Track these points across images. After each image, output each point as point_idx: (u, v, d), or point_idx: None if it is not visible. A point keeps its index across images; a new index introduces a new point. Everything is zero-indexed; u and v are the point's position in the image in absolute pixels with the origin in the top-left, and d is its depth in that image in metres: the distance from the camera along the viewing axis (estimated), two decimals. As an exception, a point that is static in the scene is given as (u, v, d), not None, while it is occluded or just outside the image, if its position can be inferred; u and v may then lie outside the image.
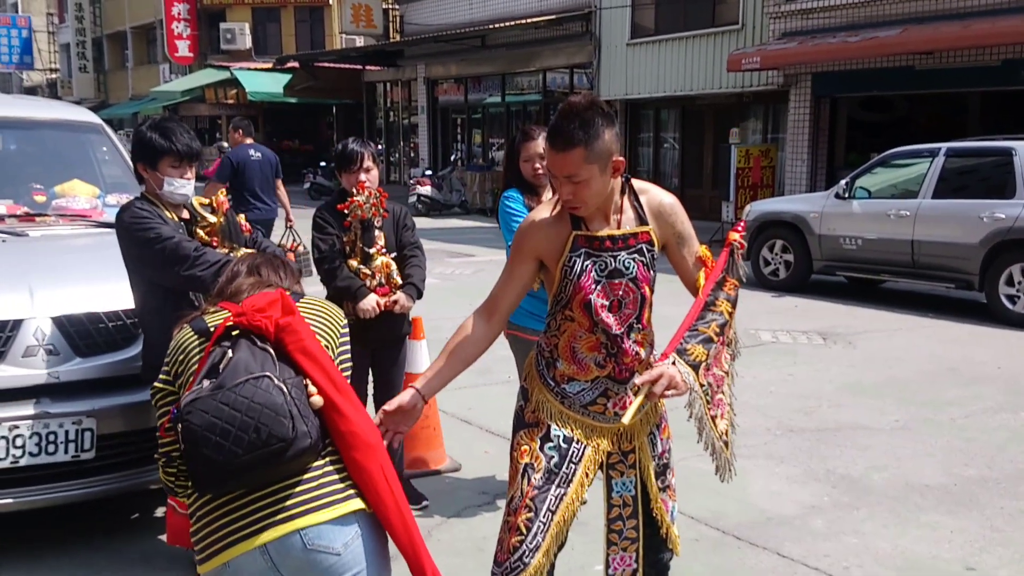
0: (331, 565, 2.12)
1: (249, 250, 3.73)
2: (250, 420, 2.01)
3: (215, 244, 3.80)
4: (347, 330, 2.45)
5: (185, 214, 3.85)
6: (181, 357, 2.28)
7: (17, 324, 3.86)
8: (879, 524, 4.56)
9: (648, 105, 20.96)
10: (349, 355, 2.44)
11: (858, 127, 17.16)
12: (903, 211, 10.41)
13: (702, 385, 2.64)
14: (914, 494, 4.93)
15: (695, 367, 2.63)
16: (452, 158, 26.56)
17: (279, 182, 9.84)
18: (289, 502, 2.10)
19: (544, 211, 2.84)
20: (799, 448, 5.66)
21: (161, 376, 2.31)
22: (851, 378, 7.34)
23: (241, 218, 4.09)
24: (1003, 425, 6.12)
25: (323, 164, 29.29)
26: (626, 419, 2.61)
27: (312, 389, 2.16)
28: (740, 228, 2.89)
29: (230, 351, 2.15)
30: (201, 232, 3.84)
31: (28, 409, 3.78)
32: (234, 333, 2.20)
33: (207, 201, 3.93)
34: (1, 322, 3.85)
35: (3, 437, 3.72)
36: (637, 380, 2.64)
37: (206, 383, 2.10)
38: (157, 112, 38.83)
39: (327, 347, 2.31)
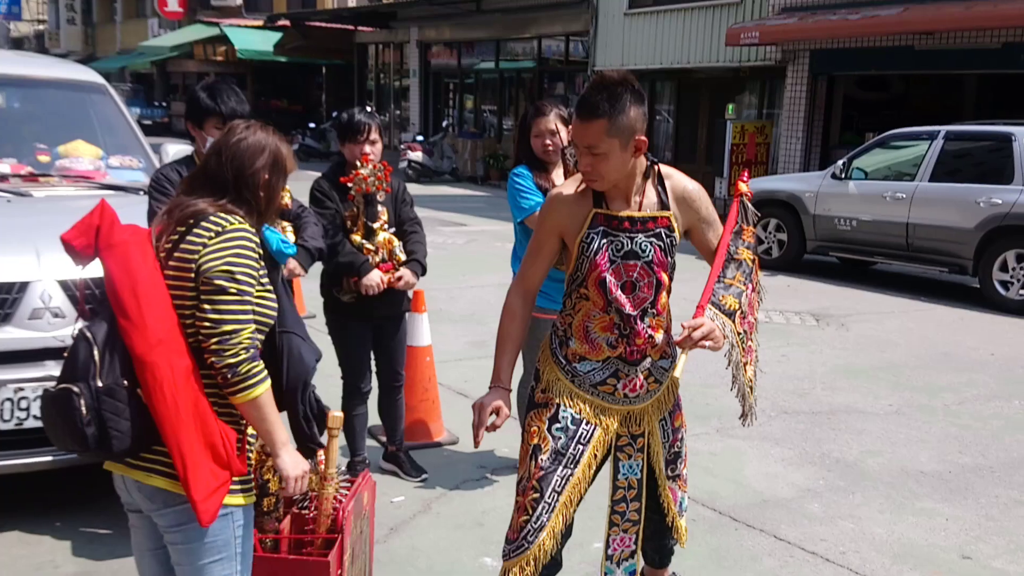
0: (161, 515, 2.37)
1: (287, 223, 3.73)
2: (57, 432, 2.27)
3: None
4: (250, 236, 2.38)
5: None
6: None
7: (24, 286, 3.82)
8: (874, 509, 4.60)
9: (644, 77, 20.82)
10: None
11: (854, 106, 17.11)
12: (899, 193, 10.43)
13: (739, 333, 2.76)
14: (909, 480, 4.98)
15: (731, 315, 2.75)
16: (444, 124, 26.37)
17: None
18: None
19: (569, 187, 2.87)
20: (794, 430, 5.70)
21: None
22: (844, 360, 7.38)
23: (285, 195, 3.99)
24: (997, 413, 6.17)
25: (312, 126, 29.02)
26: (677, 373, 2.78)
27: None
28: (744, 178, 3.02)
29: (82, 334, 2.28)
30: None
31: (33, 372, 3.75)
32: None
33: None
34: (8, 284, 3.80)
35: (8, 399, 3.70)
36: (679, 337, 2.73)
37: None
38: (145, 67, 38.43)
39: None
